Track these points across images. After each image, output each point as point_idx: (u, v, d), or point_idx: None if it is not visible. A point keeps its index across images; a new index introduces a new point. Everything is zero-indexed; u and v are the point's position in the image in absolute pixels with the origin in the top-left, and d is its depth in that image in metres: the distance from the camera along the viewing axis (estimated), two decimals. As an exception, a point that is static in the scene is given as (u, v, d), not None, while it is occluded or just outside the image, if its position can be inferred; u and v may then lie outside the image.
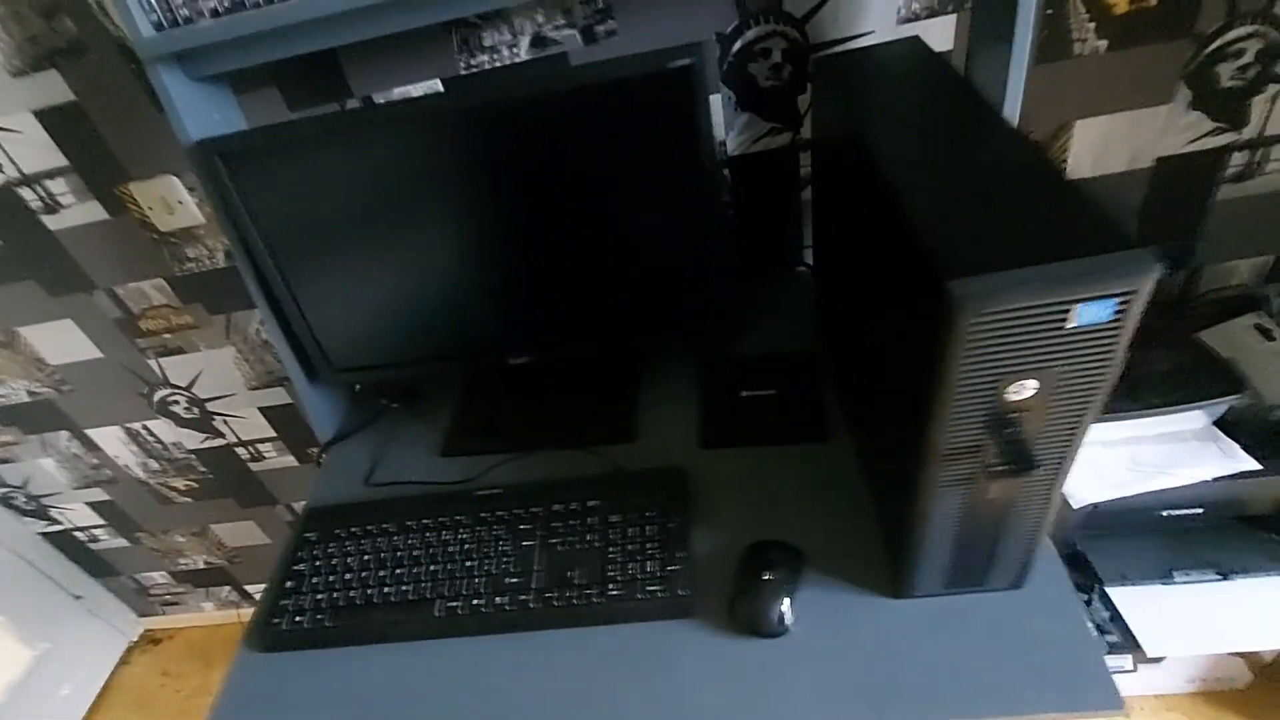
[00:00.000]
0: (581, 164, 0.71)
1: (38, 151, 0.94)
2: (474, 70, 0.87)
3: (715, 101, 0.88)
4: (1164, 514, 0.91)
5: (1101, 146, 0.89)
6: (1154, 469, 0.86)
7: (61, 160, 0.95)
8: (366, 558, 0.75)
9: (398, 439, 0.93)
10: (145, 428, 1.32)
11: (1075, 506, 0.86)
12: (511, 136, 0.70)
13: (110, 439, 1.35)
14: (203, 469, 1.41)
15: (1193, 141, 0.88)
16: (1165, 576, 0.92)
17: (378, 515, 0.78)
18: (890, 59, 0.68)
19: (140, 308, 1.13)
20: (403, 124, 0.71)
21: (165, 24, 0.69)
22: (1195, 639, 0.88)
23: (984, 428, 0.45)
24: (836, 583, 0.64)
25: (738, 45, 0.84)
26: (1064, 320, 0.39)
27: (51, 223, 1.02)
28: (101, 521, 1.53)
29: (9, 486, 1.46)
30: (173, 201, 0.99)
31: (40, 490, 1.46)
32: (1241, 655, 1.12)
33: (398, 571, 0.73)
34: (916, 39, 0.71)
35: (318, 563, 0.76)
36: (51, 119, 0.91)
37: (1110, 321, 0.39)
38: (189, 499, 1.48)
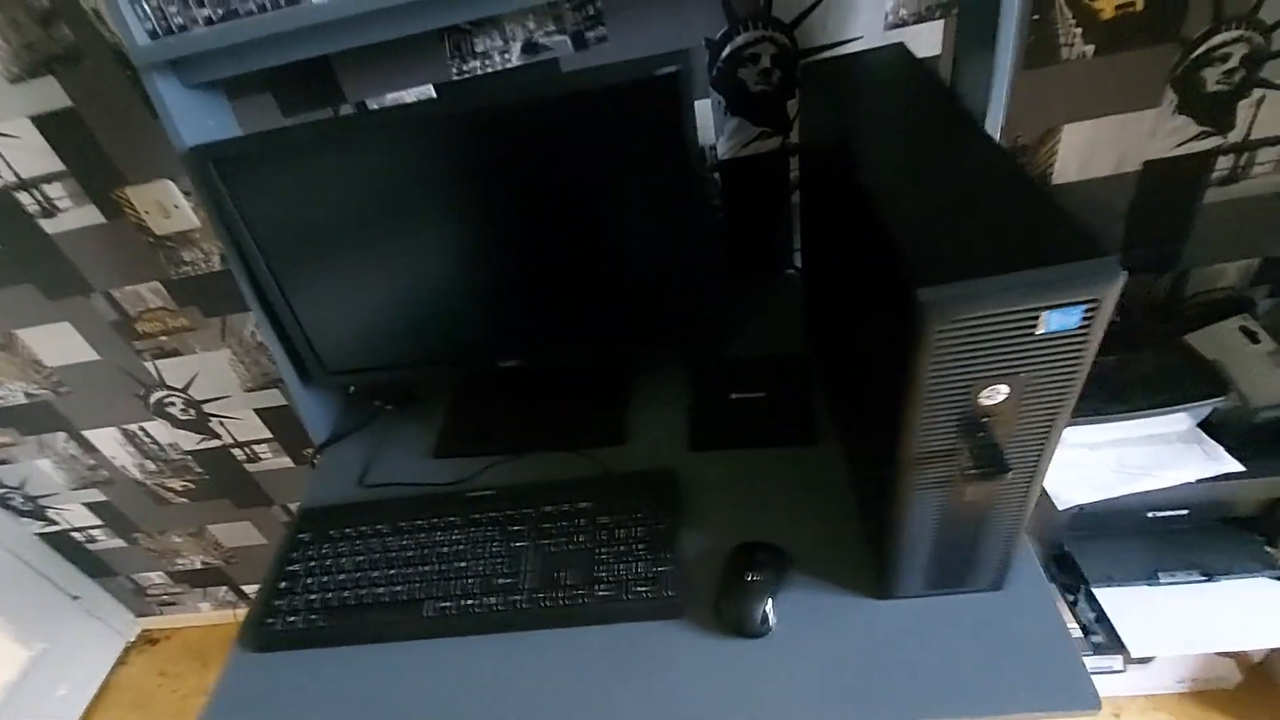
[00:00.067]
0: (572, 169, 0.72)
1: (35, 156, 0.95)
2: (466, 76, 0.88)
3: (705, 106, 0.89)
4: (1150, 515, 0.92)
5: (1089, 151, 0.90)
6: (1139, 471, 0.86)
7: (58, 165, 0.96)
8: (360, 558, 0.75)
9: (391, 441, 0.94)
10: (142, 429, 1.33)
11: (1061, 508, 0.87)
12: (503, 142, 0.71)
13: (107, 440, 1.35)
14: (199, 470, 1.42)
15: (1179, 145, 0.89)
16: (1151, 577, 0.92)
17: (371, 516, 0.79)
18: (877, 65, 0.69)
19: (137, 310, 1.13)
20: (395, 129, 0.72)
21: (160, 32, 0.70)
22: (1180, 639, 0.89)
23: (957, 432, 0.45)
24: (823, 584, 0.65)
25: (727, 50, 0.85)
26: (1033, 327, 0.40)
27: (49, 227, 1.03)
28: (99, 522, 1.54)
29: (6, 487, 1.47)
30: (168, 205, 1.00)
31: (38, 491, 1.47)
32: (1231, 655, 1.13)
33: (390, 572, 0.73)
34: (901, 45, 0.72)
35: (311, 563, 0.76)
36: (49, 125, 0.92)
37: (1078, 328, 0.40)
38: (185, 500, 1.49)
